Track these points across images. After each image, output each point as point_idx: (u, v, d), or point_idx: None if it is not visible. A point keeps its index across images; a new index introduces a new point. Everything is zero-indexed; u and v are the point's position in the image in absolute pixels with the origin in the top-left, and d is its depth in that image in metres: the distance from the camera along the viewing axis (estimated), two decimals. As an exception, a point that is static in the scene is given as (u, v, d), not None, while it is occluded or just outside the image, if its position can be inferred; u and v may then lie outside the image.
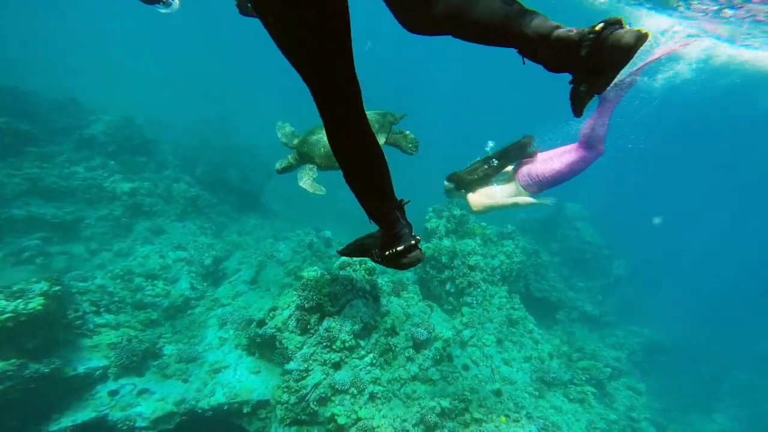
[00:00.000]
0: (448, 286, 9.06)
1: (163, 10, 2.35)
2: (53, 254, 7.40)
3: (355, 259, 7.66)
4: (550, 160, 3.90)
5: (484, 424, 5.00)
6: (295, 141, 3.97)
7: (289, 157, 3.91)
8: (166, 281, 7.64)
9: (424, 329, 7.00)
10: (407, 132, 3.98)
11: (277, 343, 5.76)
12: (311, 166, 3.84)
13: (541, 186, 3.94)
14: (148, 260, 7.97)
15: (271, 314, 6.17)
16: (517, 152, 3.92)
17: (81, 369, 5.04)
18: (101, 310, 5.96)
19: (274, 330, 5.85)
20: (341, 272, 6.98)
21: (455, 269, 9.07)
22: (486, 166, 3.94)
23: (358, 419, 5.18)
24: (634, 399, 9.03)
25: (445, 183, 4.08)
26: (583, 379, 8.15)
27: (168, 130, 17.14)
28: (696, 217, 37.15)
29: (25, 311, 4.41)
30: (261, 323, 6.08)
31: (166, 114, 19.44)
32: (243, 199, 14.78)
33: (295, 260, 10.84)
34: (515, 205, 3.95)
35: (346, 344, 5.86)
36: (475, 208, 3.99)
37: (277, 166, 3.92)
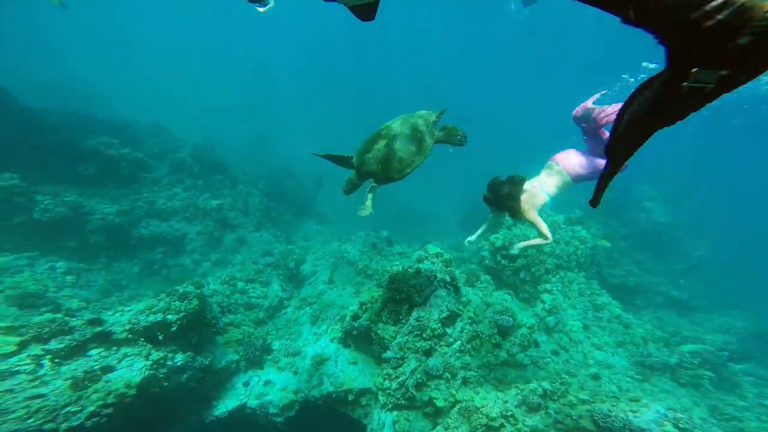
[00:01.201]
0: (522, 275, 8.83)
1: (261, 9, 2.45)
2: (171, 266, 8.48)
3: (431, 251, 7.79)
4: (593, 156, 3.96)
5: (593, 404, 4.81)
6: (352, 160, 3.88)
7: (351, 177, 3.85)
8: (262, 284, 8.37)
9: (509, 316, 6.91)
10: (452, 126, 3.87)
11: (373, 334, 6.05)
12: (374, 184, 3.77)
13: (589, 178, 4.03)
14: (245, 267, 8.78)
15: (363, 308, 6.49)
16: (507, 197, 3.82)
17: (223, 362, 5.76)
18: (225, 311, 6.72)
19: (368, 322, 6.15)
20: (421, 265, 7.17)
21: (529, 257, 8.82)
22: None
23: (456, 402, 5.27)
24: (763, 386, 8.01)
25: (485, 194, 4.02)
26: (695, 362, 7.40)
27: (225, 149, 18.59)
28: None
29: (190, 310, 5.11)
30: (355, 317, 6.41)
31: (217, 133, 20.83)
32: (300, 207, 15.74)
33: (362, 259, 11.22)
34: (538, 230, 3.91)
35: (435, 332, 5.99)
36: (519, 219, 4.01)
37: (344, 189, 3.89)
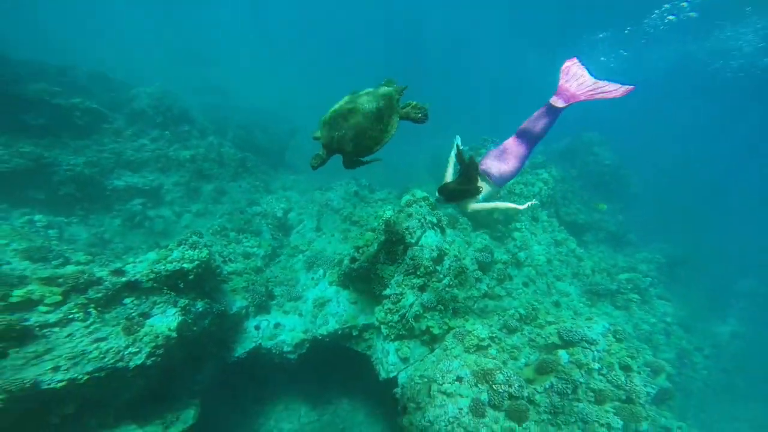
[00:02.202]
0: (495, 215, 9.38)
1: None
2: (152, 218, 7.97)
3: (418, 196, 7.96)
4: (506, 156, 3.68)
5: (558, 323, 5.58)
6: (317, 134, 3.66)
7: (320, 153, 3.61)
8: (253, 234, 8.20)
9: (488, 253, 7.47)
10: (415, 102, 3.68)
11: (372, 274, 6.31)
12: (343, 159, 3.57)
13: (508, 180, 3.80)
14: (233, 217, 8.47)
15: (360, 251, 6.66)
16: (471, 169, 3.56)
17: (234, 308, 5.84)
18: (226, 260, 6.61)
19: (367, 264, 6.37)
20: (410, 209, 7.35)
21: (500, 198, 9.32)
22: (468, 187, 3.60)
23: (450, 328, 5.85)
24: (666, 306, 9.67)
25: (437, 195, 3.77)
26: (628, 288, 8.70)
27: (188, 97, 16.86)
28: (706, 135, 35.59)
29: (202, 258, 5.09)
30: (353, 260, 6.59)
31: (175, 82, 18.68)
32: (272, 158, 15.02)
33: (346, 207, 11.21)
34: (497, 209, 3.78)
35: (428, 269, 6.35)
36: (464, 213, 3.88)
37: (312, 164, 3.65)
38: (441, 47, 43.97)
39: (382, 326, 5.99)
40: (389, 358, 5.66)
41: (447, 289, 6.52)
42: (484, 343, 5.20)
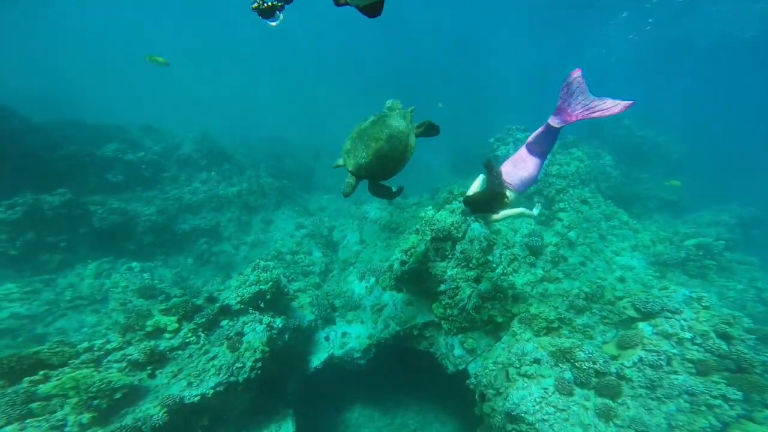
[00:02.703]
0: (536, 200, 9.07)
1: (273, 23, 2.53)
2: (217, 253, 8.59)
3: (456, 192, 7.93)
4: (523, 164, 3.63)
5: (630, 297, 5.21)
6: (341, 162, 3.75)
7: (350, 180, 3.73)
8: (306, 254, 8.54)
9: (537, 237, 7.22)
10: (428, 121, 3.83)
11: (424, 273, 6.31)
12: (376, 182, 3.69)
13: (528, 186, 3.72)
14: (285, 242, 8.89)
15: (408, 253, 6.70)
16: (494, 178, 3.53)
17: (305, 323, 6.14)
18: (290, 280, 7.03)
19: (417, 264, 6.39)
20: (451, 205, 7.32)
21: (539, 182, 9.02)
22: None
23: (513, 315, 5.66)
24: (753, 271, 8.64)
25: (462, 207, 3.87)
26: (700, 254, 7.89)
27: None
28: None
29: (273, 279, 5.55)
30: (403, 262, 6.64)
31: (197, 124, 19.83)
32: (303, 181, 15.62)
33: (383, 216, 11.30)
34: (518, 214, 3.71)
35: (479, 261, 6.26)
36: (487, 223, 3.95)
37: (345, 192, 3.76)
38: (455, 44, 43.50)
39: (442, 322, 5.93)
40: (455, 351, 5.57)
41: (502, 277, 6.37)
42: (554, 325, 4.97)
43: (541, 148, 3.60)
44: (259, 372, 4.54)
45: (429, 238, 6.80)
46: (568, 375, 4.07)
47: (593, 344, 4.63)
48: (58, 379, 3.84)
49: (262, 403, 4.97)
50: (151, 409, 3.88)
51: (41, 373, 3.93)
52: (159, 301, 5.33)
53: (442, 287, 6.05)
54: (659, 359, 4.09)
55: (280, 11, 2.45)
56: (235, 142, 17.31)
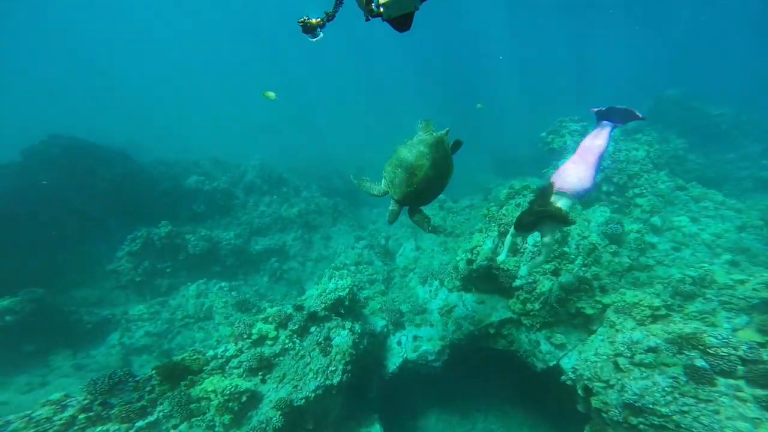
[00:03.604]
0: (605, 188, 8.21)
1: (313, 39, 2.55)
2: (287, 270, 8.99)
3: (517, 186, 7.48)
4: (579, 170, 3.67)
5: (756, 278, 4.29)
6: (375, 191, 3.69)
7: (394, 209, 3.63)
8: (367, 264, 8.55)
9: (616, 224, 6.44)
10: (457, 140, 3.77)
11: (494, 270, 5.88)
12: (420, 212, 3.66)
13: (588, 189, 3.68)
14: (348, 254, 9.01)
15: (474, 252, 6.34)
16: (546, 195, 3.62)
17: (378, 328, 6.07)
18: (358, 288, 7.13)
19: (486, 261, 6.00)
20: (514, 200, 6.89)
21: (606, 169, 8.18)
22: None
23: (605, 306, 4.97)
24: None
25: (512, 230, 3.87)
26: None
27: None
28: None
29: (348, 285, 5.62)
30: (470, 261, 6.29)
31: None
32: (351, 197, 15.87)
33: (436, 222, 11.04)
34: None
35: (555, 253, 5.71)
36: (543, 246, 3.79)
37: (390, 220, 3.68)
38: (491, 47, 42.74)
39: (522, 318, 5.41)
40: (541, 347, 4.99)
41: (584, 268, 5.71)
42: (661, 312, 4.24)
43: (598, 145, 3.73)
44: (349, 375, 4.53)
45: (496, 234, 6.41)
46: (700, 363, 3.35)
47: (718, 332, 3.84)
48: (201, 384, 4.24)
49: (351, 408, 4.91)
50: (270, 412, 4.07)
51: (189, 377, 4.37)
52: (253, 312, 5.70)
53: (518, 282, 5.57)
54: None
55: (321, 29, 2.49)
56: (287, 165, 18.37)
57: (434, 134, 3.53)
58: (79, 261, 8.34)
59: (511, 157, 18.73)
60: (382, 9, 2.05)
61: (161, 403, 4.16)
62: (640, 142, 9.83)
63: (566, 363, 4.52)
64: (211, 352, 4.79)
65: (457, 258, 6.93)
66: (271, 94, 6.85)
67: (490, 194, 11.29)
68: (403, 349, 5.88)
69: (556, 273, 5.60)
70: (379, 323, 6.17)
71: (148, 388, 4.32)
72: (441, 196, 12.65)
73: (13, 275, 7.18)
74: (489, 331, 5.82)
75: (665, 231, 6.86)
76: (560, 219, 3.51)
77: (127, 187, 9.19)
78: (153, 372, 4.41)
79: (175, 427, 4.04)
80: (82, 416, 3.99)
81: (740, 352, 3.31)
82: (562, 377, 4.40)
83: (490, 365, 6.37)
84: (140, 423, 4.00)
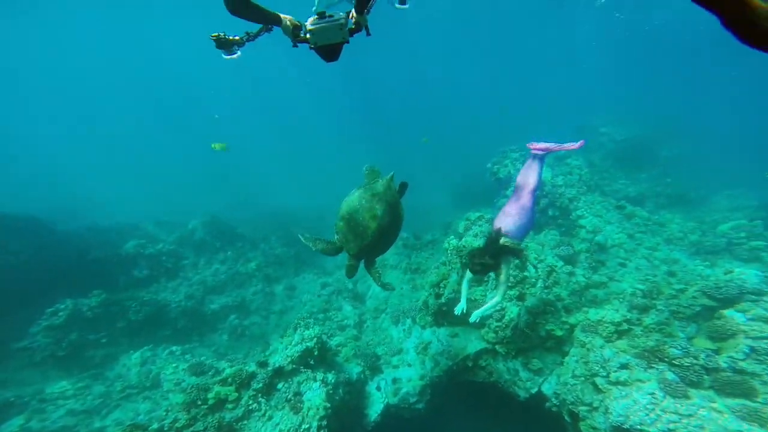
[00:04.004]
0: (551, 212, 8.85)
1: (227, 56, 2.34)
2: (248, 326, 8.22)
3: (472, 217, 7.75)
4: (515, 212, 3.85)
5: (695, 286, 4.67)
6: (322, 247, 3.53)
7: (351, 263, 3.56)
8: (336, 310, 8.10)
9: (566, 246, 6.86)
10: (403, 182, 3.71)
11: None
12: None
13: (527, 230, 3.91)
14: (314, 302, 8.51)
15: (441, 286, 6.30)
16: (494, 242, 3.66)
17: (354, 375, 5.55)
18: (329, 336, 6.62)
19: (453, 294, 5.96)
20: (472, 230, 7.10)
21: (549, 194, 8.89)
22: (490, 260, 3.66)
23: (572, 326, 5.09)
24: None
25: (468, 274, 4.09)
26: (742, 236, 7.34)
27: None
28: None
29: (316, 334, 5.21)
30: (438, 295, 6.21)
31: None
32: None
33: (402, 260, 10.99)
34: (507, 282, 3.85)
35: (517, 278, 5.86)
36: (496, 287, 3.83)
37: (348, 275, 3.61)
38: (422, 78, 41.73)
39: (497, 346, 5.32)
40: (520, 375, 4.88)
41: (545, 290, 5.88)
42: (623, 327, 4.41)
43: (531, 183, 3.89)
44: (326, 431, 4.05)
45: (459, 266, 6.45)
46: (670, 376, 3.44)
47: (676, 343, 4.03)
48: None
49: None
50: None
51: None
52: (210, 375, 5.02)
53: (472, 319, 5.54)
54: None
55: (239, 47, 2.29)
56: (240, 217, 17.41)
57: (381, 180, 3.44)
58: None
59: (467, 189, 19.42)
60: (308, 36, 2.01)
61: None
62: (571, 166, 10.93)
63: (547, 388, 4.43)
64: (155, 425, 4.07)
65: (425, 294, 6.82)
66: (220, 145, 6.67)
67: (450, 227, 11.59)
68: (383, 394, 5.41)
69: (521, 298, 5.69)
70: (354, 370, 5.69)
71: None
72: (403, 234, 12.74)
73: None
74: (467, 364, 5.63)
75: (609, 248, 7.42)
76: (513, 251, 3.59)
77: (49, 258, 8.07)
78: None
79: None
80: None
81: (701, 361, 3.47)
82: (547, 404, 4.28)
83: (477, 401, 6.07)
84: None
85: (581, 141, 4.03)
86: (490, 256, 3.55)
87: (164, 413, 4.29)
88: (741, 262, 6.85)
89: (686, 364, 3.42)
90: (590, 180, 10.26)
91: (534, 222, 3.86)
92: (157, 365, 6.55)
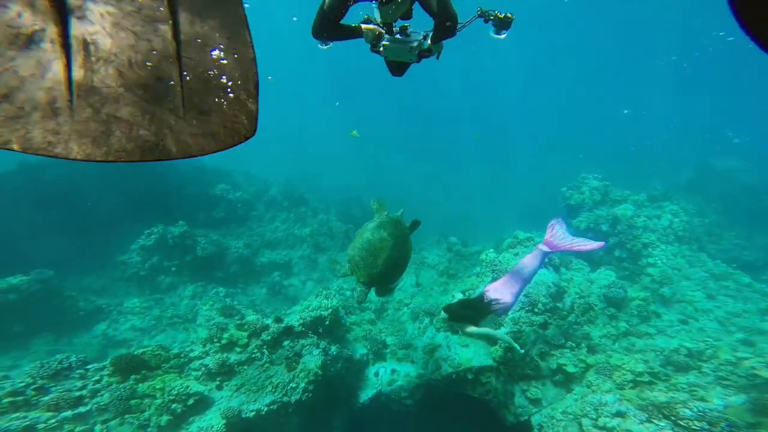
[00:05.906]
0: (617, 253, 8.07)
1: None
2: (286, 286, 9.40)
3: (521, 237, 7.58)
4: (504, 291, 4.00)
5: (764, 357, 4.07)
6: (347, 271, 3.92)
7: (362, 290, 3.89)
8: (363, 290, 8.74)
9: (619, 288, 6.32)
10: (414, 220, 4.16)
11: (482, 312, 5.90)
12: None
13: (508, 310, 4.03)
14: (347, 279, 9.27)
15: (466, 294, 6.43)
16: (484, 306, 3.92)
17: (358, 355, 6.11)
18: (347, 312, 7.30)
19: (475, 302, 6.04)
20: (514, 249, 7.00)
21: (621, 234, 8.10)
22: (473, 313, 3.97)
23: (588, 366, 4.84)
24: None
25: (442, 313, 4.14)
26: None
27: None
28: None
29: (333, 306, 5.90)
30: (459, 300, 6.34)
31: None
32: None
33: (441, 262, 11.10)
34: (494, 337, 4.02)
35: (547, 306, 5.69)
36: (464, 333, 4.07)
37: (359, 300, 3.94)
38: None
39: (501, 366, 5.31)
40: (515, 400, 4.85)
41: (574, 326, 5.62)
42: (644, 379, 4.10)
43: (526, 272, 4.04)
44: (310, 395, 4.51)
45: (489, 279, 6.48)
46: (666, 434, 3.20)
47: (707, 406, 3.65)
48: (152, 380, 4.39)
49: (309, 435, 4.82)
50: (214, 419, 4.11)
51: (143, 372, 4.51)
52: (236, 319, 5.90)
53: (503, 329, 5.55)
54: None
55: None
56: (312, 186, 19.17)
57: (391, 216, 3.89)
58: (98, 248, 9.05)
59: (536, 208, 18.67)
60: (382, 49, 2.51)
61: (101, 395, 4.08)
62: (664, 209, 9.65)
63: (536, 420, 4.37)
64: (175, 350, 4.96)
65: (450, 298, 7.00)
66: (355, 133, 7.70)
67: (502, 243, 11.30)
68: (379, 380, 5.86)
69: (544, 326, 5.54)
70: (359, 350, 6.23)
71: (96, 378, 4.28)
72: (452, 239, 12.77)
73: (37, 254, 7.57)
74: (467, 377, 5.70)
75: (675, 303, 6.58)
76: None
77: (159, 186, 10.19)
78: (107, 362, 4.46)
79: (105, 422, 3.91)
80: (6, 400, 3.82)
81: (717, 429, 3.14)
82: (530, 435, 4.25)
83: (466, 414, 6.13)
84: (67, 413, 3.83)
85: (601, 242, 4.06)
86: (473, 311, 3.87)
87: (189, 345, 5.24)
88: None
89: (694, 427, 3.12)
90: (685, 230, 8.98)
91: (513, 306, 4.10)
92: (203, 301, 7.78)
